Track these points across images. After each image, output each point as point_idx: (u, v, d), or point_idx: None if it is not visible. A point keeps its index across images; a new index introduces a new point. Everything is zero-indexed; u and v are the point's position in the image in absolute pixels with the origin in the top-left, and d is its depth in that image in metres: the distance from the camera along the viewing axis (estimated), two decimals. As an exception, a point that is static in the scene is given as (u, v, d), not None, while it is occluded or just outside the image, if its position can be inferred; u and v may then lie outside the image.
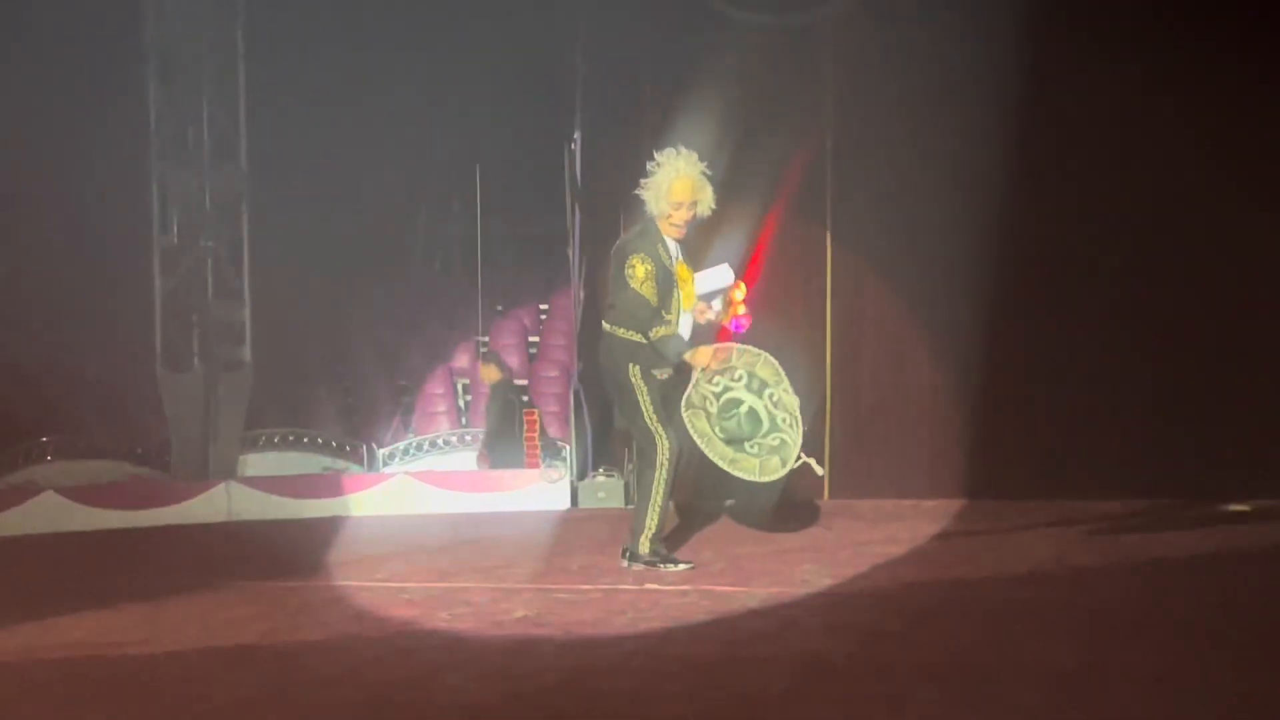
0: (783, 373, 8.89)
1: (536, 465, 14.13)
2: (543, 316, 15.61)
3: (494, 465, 13.99)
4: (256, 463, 14.29)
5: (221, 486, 13.76)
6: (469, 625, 7.28)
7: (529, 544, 10.69)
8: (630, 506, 13.35)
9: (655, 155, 8.82)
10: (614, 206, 14.49)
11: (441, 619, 7.47)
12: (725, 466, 8.73)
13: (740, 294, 9.01)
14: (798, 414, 8.86)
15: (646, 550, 8.85)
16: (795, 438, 8.78)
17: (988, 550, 9.94)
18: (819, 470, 8.94)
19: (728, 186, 13.24)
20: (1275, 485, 12.32)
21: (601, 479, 14.11)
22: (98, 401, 14.12)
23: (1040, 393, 13.47)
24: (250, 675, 6.33)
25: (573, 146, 14.52)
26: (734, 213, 13.02)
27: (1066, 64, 13.06)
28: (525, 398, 14.57)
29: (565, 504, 13.86)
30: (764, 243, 13.87)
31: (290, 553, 10.61)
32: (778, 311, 13.86)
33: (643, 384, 8.71)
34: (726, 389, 8.73)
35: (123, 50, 14.30)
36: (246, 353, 14.92)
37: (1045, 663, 6.11)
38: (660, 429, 8.70)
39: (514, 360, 15.28)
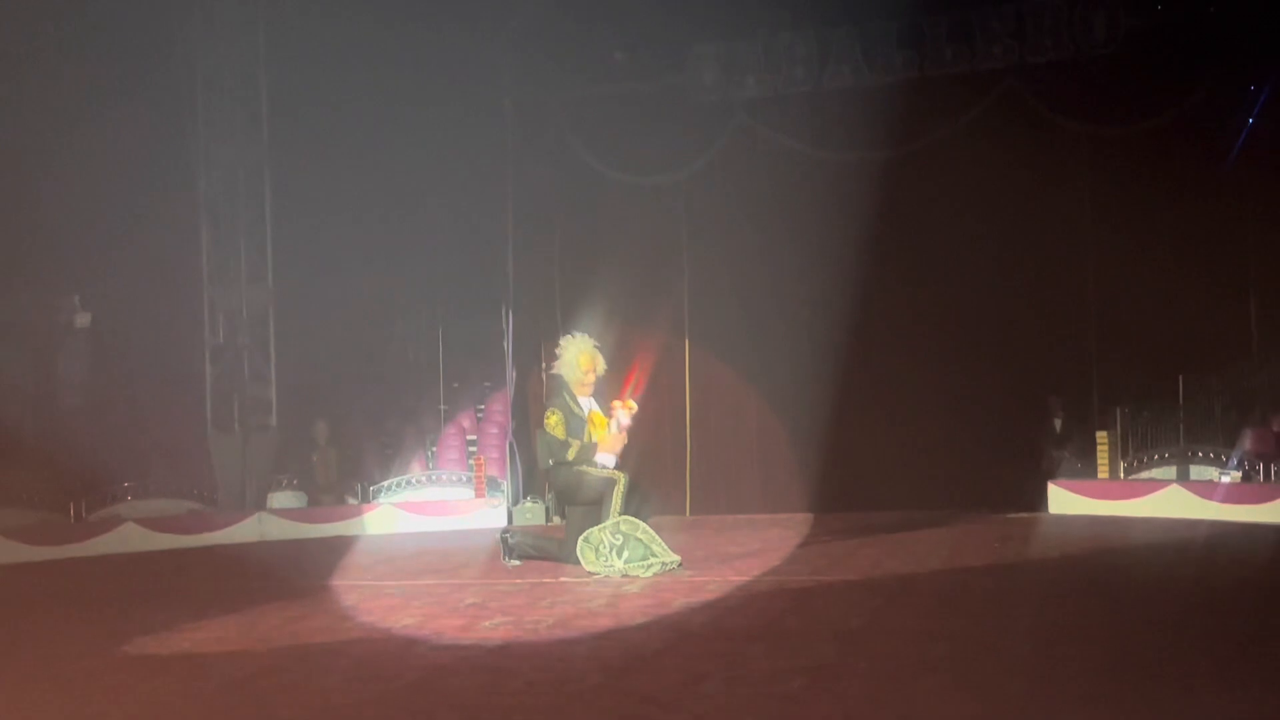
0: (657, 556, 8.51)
1: (483, 496, 14.00)
2: (486, 386, 15.51)
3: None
4: (279, 499, 14.03)
5: (255, 516, 13.49)
6: (434, 610, 7.23)
7: (477, 552, 10.60)
8: (559, 522, 13.26)
9: (560, 340, 9.13)
10: (532, 316, 14.55)
11: (412, 607, 7.41)
12: (579, 552, 8.53)
13: (628, 402, 9.06)
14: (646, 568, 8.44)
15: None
16: (613, 565, 8.44)
17: (801, 548, 9.97)
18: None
19: (616, 310, 13.53)
20: (1021, 502, 12.24)
21: (528, 504, 14.03)
22: (165, 455, 13.85)
23: (842, 433, 13.20)
24: (277, 655, 6.26)
25: (508, 271, 14.57)
26: (623, 336, 12.89)
27: (872, 190, 12.67)
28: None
29: (503, 522, 13.73)
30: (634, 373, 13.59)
31: (305, 564, 10.44)
32: (655, 385, 13.87)
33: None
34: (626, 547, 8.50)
35: (180, 202, 14.17)
36: (273, 419, 14.72)
37: (838, 624, 6.19)
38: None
39: (466, 422, 15.21)
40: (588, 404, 9.01)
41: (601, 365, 9.04)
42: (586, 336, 9.09)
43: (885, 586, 7.58)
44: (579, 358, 8.94)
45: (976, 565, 8.62)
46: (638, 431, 9.55)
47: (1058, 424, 13.12)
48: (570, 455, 8.80)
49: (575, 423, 8.86)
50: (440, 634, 6.39)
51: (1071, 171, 12.92)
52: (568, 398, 8.96)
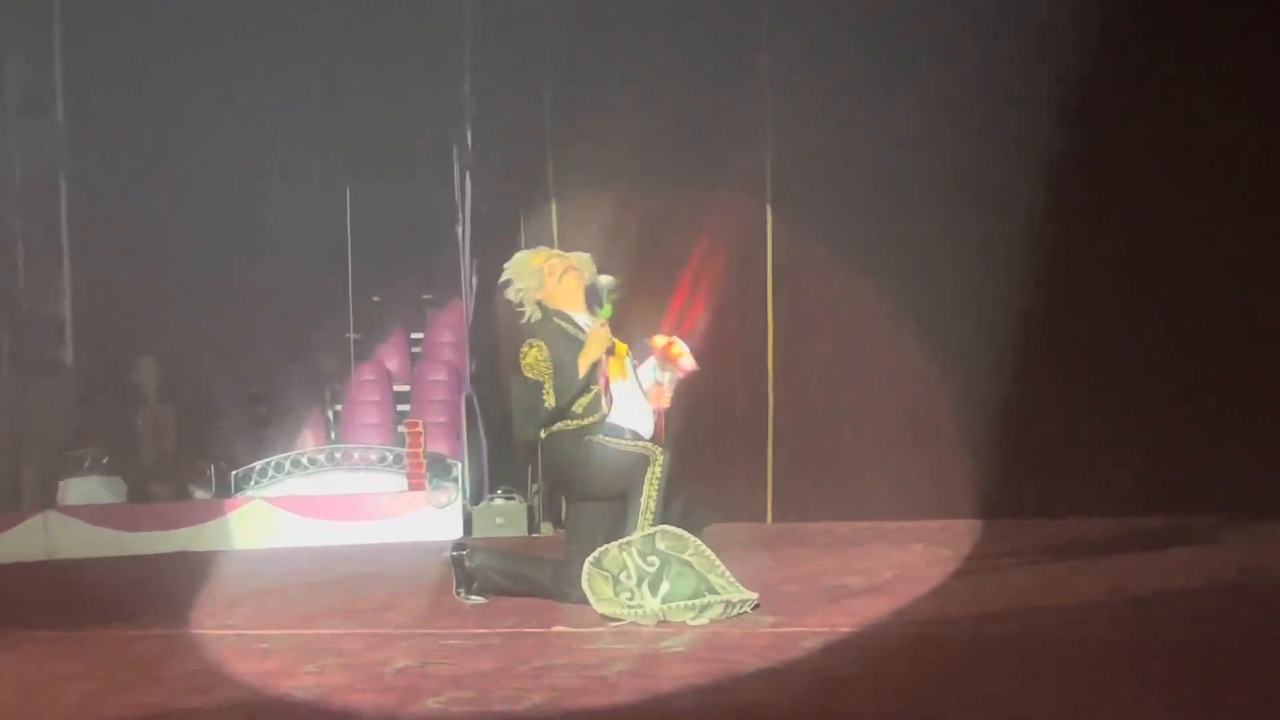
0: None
1: (421, 487, 14.11)
2: (425, 300, 15.57)
3: None
4: (78, 489, 14.14)
5: (38, 518, 13.63)
6: (338, 679, 7.26)
7: (412, 580, 10.66)
8: (553, 531, 13.41)
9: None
10: (506, 181, 14.54)
11: (305, 673, 7.45)
12: (585, 583, 8.67)
13: (675, 348, 9.29)
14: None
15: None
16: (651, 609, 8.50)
17: (956, 579, 10.02)
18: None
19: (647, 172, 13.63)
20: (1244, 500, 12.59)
21: (500, 503, 14.12)
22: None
23: (1027, 401, 13.50)
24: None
25: (462, 99, 14.54)
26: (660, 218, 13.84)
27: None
28: None
29: (456, 532, 13.83)
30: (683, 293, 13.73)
31: (122, 596, 10.53)
32: (718, 305, 13.94)
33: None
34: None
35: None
36: (67, 354, 14.83)
37: None
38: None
39: (393, 363, 15.26)
40: (585, 320, 9.20)
41: (582, 263, 9.33)
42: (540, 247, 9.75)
43: (1106, 659, 7.56)
44: (526, 262, 9.36)
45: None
46: (689, 387, 9.62)
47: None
48: (586, 410, 8.96)
49: (570, 346, 8.98)
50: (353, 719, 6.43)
51: None
52: (560, 321, 9.15)
